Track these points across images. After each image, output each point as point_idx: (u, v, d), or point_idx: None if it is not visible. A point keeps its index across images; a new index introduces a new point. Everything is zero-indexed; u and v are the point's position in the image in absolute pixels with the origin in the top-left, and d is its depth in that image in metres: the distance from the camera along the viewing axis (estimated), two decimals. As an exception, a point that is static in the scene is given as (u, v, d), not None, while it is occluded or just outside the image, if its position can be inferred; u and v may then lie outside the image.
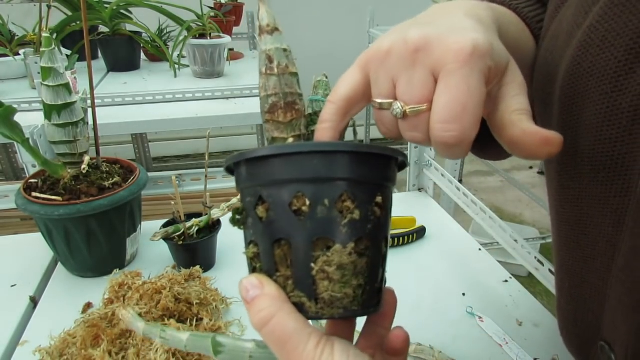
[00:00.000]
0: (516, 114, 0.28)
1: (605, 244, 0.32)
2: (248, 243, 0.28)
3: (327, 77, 0.40)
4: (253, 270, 0.28)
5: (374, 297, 0.28)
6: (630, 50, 0.28)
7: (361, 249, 0.26)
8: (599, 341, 0.35)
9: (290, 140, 0.35)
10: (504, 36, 0.33)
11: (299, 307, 0.26)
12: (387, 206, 0.28)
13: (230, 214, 0.29)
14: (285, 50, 0.33)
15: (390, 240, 0.72)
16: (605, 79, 0.29)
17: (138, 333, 0.35)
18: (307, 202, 0.26)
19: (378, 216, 0.27)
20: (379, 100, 0.30)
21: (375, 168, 0.27)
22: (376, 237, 0.27)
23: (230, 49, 1.59)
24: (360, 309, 0.27)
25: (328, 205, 0.26)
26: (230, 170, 0.29)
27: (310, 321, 0.26)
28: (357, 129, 0.40)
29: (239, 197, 0.29)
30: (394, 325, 0.32)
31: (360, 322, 0.32)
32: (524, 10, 0.40)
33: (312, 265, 0.26)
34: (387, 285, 0.32)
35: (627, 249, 0.30)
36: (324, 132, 0.31)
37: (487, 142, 0.37)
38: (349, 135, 0.36)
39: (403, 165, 0.30)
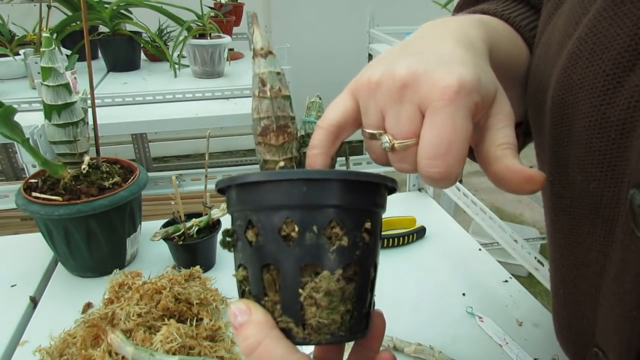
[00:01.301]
0: (501, 148, 0.28)
1: (597, 253, 0.32)
2: (238, 266, 0.28)
3: (320, 98, 0.40)
4: (242, 293, 0.28)
5: (361, 322, 0.28)
6: (618, 64, 0.28)
7: (349, 274, 0.27)
8: (593, 347, 0.35)
9: (282, 163, 0.35)
10: (496, 54, 0.34)
11: (287, 333, 0.26)
12: (376, 232, 0.28)
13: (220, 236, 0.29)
14: (278, 73, 0.34)
15: (390, 240, 0.72)
16: (594, 91, 0.29)
17: (127, 357, 0.35)
18: (296, 228, 0.26)
19: (367, 242, 0.27)
20: (369, 131, 0.30)
21: (364, 195, 0.27)
22: (365, 263, 0.27)
23: (230, 49, 1.59)
24: (348, 334, 0.27)
25: (317, 231, 0.26)
26: (222, 191, 0.29)
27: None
28: (350, 155, 0.41)
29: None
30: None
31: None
32: (516, 19, 0.40)
33: (300, 291, 0.26)
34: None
35: (618, 260, 0.30)
36: (314, 158, 0.32)
37: None
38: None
39: (393, 190, 0.30)
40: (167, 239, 0.64)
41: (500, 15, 0.40)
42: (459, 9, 0.47)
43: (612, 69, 0.28)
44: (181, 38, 1.32)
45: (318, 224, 0.26)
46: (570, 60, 0.31)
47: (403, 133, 0.28)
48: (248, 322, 0.25)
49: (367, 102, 0.30)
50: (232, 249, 0.29)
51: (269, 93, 0.32)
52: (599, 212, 0.31)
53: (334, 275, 0.26)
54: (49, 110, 0.57)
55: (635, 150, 0.27)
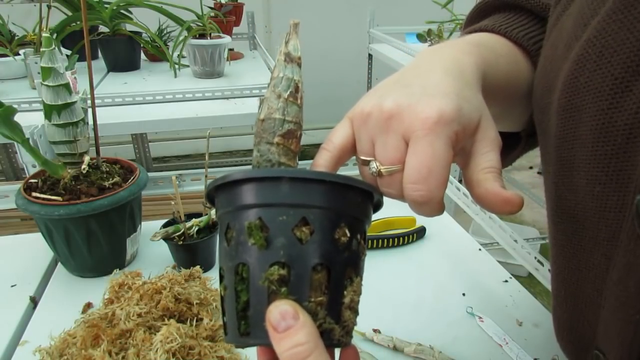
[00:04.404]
0: (483, 172, 0.30)
1: (600, 257, 0.32)
2: (270, 265, 0.26)
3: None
4: (270, 294, 0.26)
5: None
6: (627, 68, 0.28)
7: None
8: (594, 350, 0.35)
9: None
10: (492, 76, 0.36)
11: (327, 333, 0.27)
12: None
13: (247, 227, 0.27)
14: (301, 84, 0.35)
15: (390, 240, 0.72)
16: (602, 95, 0.29)
17: None
18: (347, 234, 0.27)
19: None
20: (361, 157, 0.33)
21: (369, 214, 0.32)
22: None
23: (230, 49, 1.59)
24: (351, 338, 0.29)
25: (359, 239, 0.28)
26: (272, 179, 0.28)
27: None
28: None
29: (255, 212, 0.28)
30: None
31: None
32: (512, 32, 0.41)
33: (345, 293, 0.27)
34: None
35: (621, 264, 0.30)
36: None
37: None
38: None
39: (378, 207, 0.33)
40: (167, 239, 0.64)
41: (497, 31, 0.41)
42: (467, 25, 0.48)
43: (621, 72, 0.28)
44: (181, 38, 1.32)
45: (360, 233, 0.29)
46: (578, 63, 0.31)
47: (389, 160, 0.30)
48: (297, 328, 0.24)
49: (359, 131, 0.32)
50: (261, 244, 0.27)
51: (299, 101, 0.33)
52: (603, 215, 0.31)
53: (361, 281, 0.29)
54: (49, 110, 0.57)
55: None
